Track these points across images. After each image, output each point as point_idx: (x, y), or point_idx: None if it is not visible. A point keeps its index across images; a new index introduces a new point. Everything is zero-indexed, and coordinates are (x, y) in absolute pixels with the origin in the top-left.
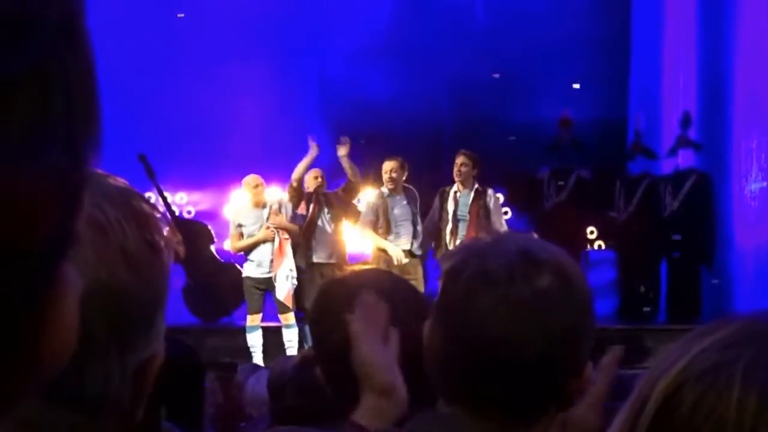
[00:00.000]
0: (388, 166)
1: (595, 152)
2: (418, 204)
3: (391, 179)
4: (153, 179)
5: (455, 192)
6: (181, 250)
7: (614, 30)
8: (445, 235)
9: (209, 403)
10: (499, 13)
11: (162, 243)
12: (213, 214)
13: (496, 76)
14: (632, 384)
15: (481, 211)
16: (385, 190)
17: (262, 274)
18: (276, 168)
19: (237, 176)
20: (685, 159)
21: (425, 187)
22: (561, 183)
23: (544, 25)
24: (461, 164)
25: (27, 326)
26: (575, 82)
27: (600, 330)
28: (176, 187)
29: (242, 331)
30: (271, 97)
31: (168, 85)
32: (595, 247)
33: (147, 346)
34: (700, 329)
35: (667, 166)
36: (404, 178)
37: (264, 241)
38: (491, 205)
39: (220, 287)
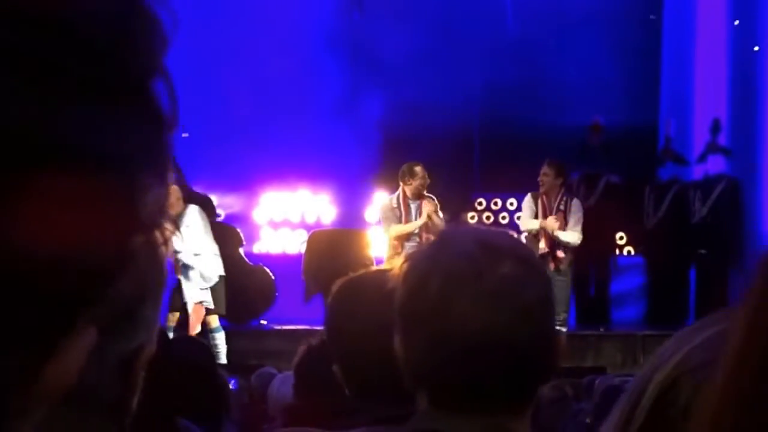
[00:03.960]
0: (423, 171)
1: (625, 158)
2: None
3: (424, 185)
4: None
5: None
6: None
7: (645, 36)
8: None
9: (234, 404)
10: (529, 21)
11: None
12: (243, 218)
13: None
14: None
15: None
16: (393, 198)
17: None
18: (307, 172)
19: (268, 180)
20: (714, 165)
21: (454, 192)
22: (590, 188)
23: (574, 31)
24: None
25: (35, 358)
26: (607, 88)
27: (628, 336)
28: (207, 190)
29: (271, 333)
30: (305, 102)
31: (201, 89)
32: (625, 252)
33: (132, 337)
34: (694, 325)
35: (696, 172)
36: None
37: None
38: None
39: (249, 290)
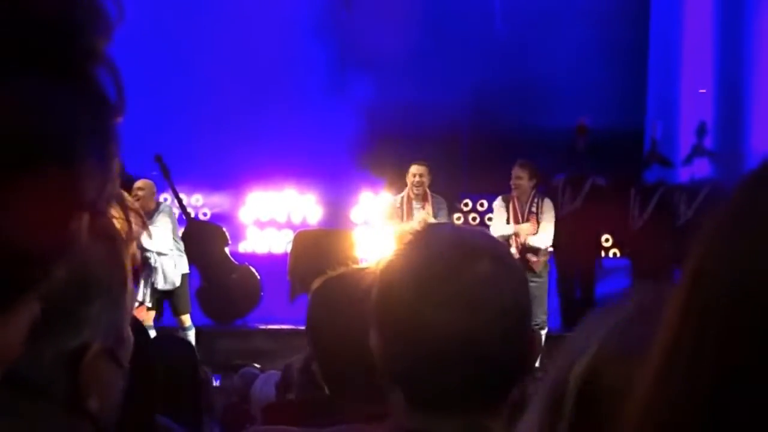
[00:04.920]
0: (416, 170)
1: (611, 160)
2: (443, 212)
3: (420, 183)
4: (168, 180)
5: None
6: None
7: (632, 38)
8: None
9: (217, 404)
10: (517, 22)
11: (108, 230)
12: (229, 217)
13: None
14: None
15: None
16: (398, 198)
17: None
18: (294, 172)
19: (254, 180)
20: (700, 168)
21: (441, 192)
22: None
23: (562, 33)
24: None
25: None
26: (594, 89)
27: None
28: (193, 189)
29: (256, 333)
30: (292, 101)
31: (187, 86)
32: (610, 254)
33: (74, 335)
34: (597, 316)
35: (682, 175)
36: (429, 183)
37: None
38: None
39: (234, 289)
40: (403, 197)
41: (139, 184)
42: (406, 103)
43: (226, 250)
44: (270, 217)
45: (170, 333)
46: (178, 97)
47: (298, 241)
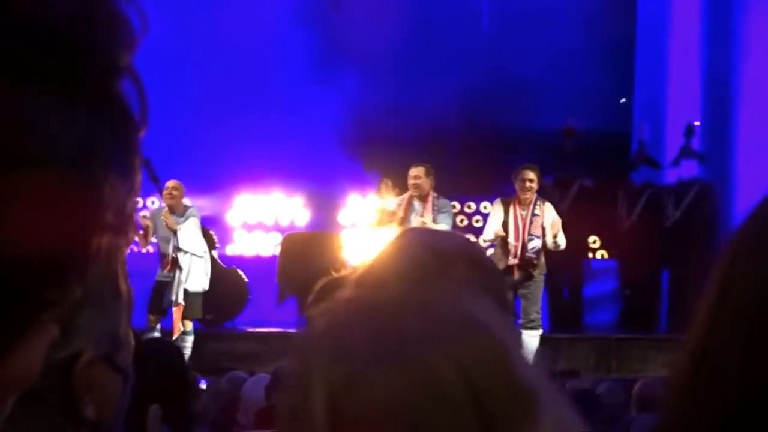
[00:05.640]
0: (413, 172)
1: (599, 161)
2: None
3: (417, 186)
4: (156, 184)
5: None
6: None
7: (619, 39)
8: None
9: (205, 407)
10: (504, 24)
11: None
12: (217, 220)
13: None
14: (646, 391)
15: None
16: (399, 200)
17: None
18: (282, 175)
19: (242, 182)
20: (688, 169)
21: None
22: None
23: (549, 34)
24: None
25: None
26: (582, 91)
27: (601, 339)
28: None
29: (244, 336)
30: (279, 103)
31: (173, 89)
32: (598, 256)
33: (65, 344)
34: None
35: (670, 176)
36: (430, 186)
37: None
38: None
39: (222, 292)
40: (403, 199)
41: (173, 184)
42: (394, 104)
43: (215, 253)
44: (258, 220)
45: (159, 336)
46: (164, 100)
47: (286, 244)
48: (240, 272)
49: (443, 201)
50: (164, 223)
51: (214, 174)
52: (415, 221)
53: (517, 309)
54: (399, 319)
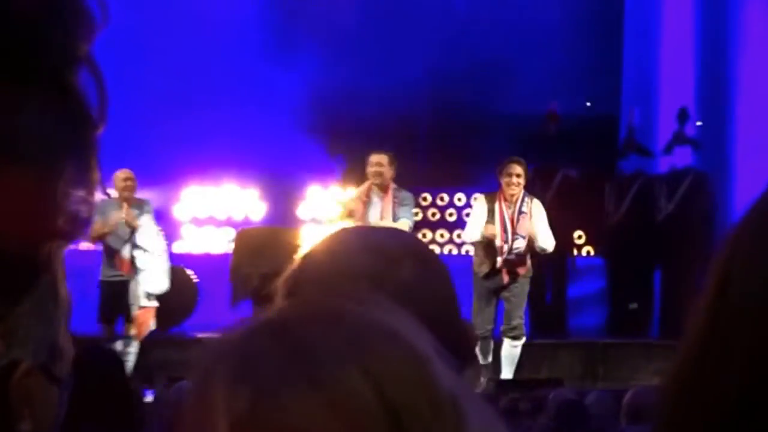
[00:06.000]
0: (376, 159)
1: (584, 149)
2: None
3: (380, 174)
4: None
5: None
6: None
7: (606, 16)
8: None
9: (149, 420)
10: (480, 0)
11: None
12: (163, 214)
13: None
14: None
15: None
16: (358, 191)
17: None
18: (234, 165)
19: (190, 173)
20: (681, 157)
21: (398, 179)
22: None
23: (528, 10)
24: None
25: None
26: (565, 72)
27: (587, 344)
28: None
29: (194, 343)
30: (231, 87)
31: (114, 71)
32: (583, 253)
33: (2, 354)
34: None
35: (662, 165)
36: (392, 176)
37: None
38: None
39: (169, 294)
40: (361, 191)
41: (127, 174)
42: (358, 87)
43: None
44: (208, 214)
45: (97, 343)
46: (107, 82)
47: (240, 240)
48: (189, 272)
49: (405, 193)
50: (117, 218)
51: (159, 163)
52: (374, 215)
53: (499, 313)
54: (307, 333)
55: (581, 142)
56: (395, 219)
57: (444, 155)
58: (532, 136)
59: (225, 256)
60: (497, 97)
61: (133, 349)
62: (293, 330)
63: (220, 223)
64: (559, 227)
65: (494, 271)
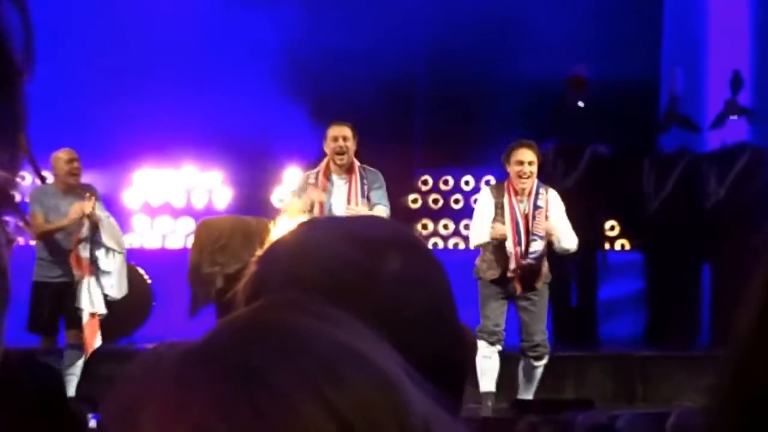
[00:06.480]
0: (338, 131)
1: (617, 122)
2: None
3: (344, 150)
4: (28, 155)
5: None
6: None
7: None
8: None
9: None
10: None
11: None
12: (110, 201)
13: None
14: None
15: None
16: (311, 173)
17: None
18: (194, 144)
19: (142, 154)
20: (734, 131)
21: (389, 166)
22: (570, 163)
23: None
24: None
25: None
26: (592, 30)
27: (621, 357)
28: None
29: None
30: (193, 51)
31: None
32: (617, 247)
33: None
34: None
35: (711, 141)
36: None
37: None
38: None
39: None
40: (318, 172)
41: (72, 154)
42: (345, 52)
43: None
44: (163, 201)
45: (30, 355)
46: (49, 51)
47: (201, 232)
48: (140, 271)
49: (374, 172)
50: (79, 210)
51: (105, 141)
52: (340, 198)
53: (509, 322)
54: (256, 358)
55: (613, 114)
56: (370, 206)
57: (447, 130)
58: (552, 105)
59: (183, 251)
60: (509, 61)
61: (79, 362)
62: (239, 353)
63: (177, 212)
64: (588, 217)
65: (506, 279)
